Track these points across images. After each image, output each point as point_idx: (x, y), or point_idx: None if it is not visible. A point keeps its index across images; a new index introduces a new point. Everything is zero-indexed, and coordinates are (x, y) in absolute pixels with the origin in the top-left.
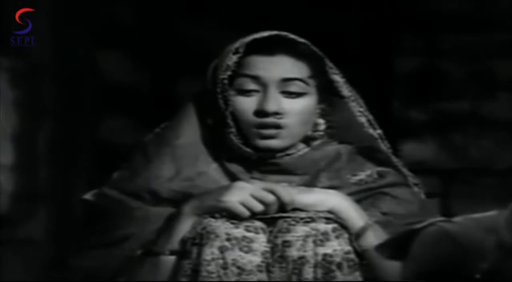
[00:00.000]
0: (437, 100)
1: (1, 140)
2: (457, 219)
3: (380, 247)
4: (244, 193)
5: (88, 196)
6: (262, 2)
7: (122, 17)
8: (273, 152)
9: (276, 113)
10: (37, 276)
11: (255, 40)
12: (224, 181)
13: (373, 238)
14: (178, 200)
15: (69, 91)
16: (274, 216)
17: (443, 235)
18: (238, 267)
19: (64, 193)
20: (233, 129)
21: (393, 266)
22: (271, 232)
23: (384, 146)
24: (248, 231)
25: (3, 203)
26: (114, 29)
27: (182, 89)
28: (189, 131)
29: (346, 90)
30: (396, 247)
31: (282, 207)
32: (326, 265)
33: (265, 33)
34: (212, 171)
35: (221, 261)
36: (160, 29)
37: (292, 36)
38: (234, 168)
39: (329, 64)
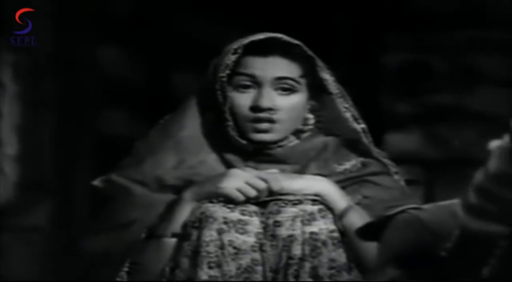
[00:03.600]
0: (423, 94)
1: (7, 132)
2: (426, 206)
3: (359, 231)
4: (240, 180)
5: (96, 182)
6: None
7: (121, 11)
8: (266, 144)
9: (269, 109)
10: (41, 262)
11: (251, 41)
12: (222, 169)
13: (355, 219)
14: (181, 187)
15: (71, 85)
16: (266, 199)
17: (414, 220)
18: (234, 247)
19: (67, 182)
20: (230, 123)
21: (370, 245)
22: (262, 213)
23: (366, 139)
24: (243, 214)
25: (8, 192)
26: (113, 23)
27: (178, 82)
28: (192, 124)
29: (334, 87)
30: (372, 231)
31: (272, 193)
32: (313, 243)
33: (261, 36)
34: (211, 160)
35: (218, 242)
36: (157, 23)
37: (286, 38)
38: (231, 157)
39: (319, 63)
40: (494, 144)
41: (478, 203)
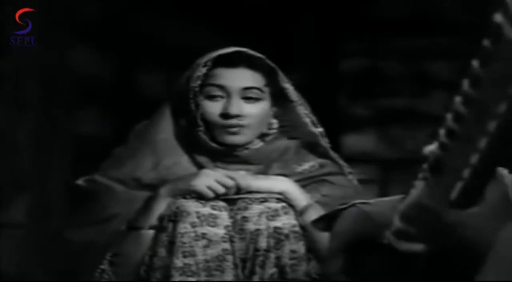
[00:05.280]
0: (378, 98)
1: None
2: (372, 201)
3: (315, 222)
4: (210, 179)
5: (80, 181)
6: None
7: (93, 13)
8: (235, 146)
9: (238, 116)
10: (22, 256)
11: (220, 55)
12: (194, 169)
13: (314, 215)
14: (157, 186)
15: (46, 86)
16: (234, 197)
17: (361, 213)
18: (207, 239)
19: (43, 179)
20: (202, 128)
21: (325, 237)
22: (231, 210)
23: (324, 142)
24: (214, 209)
25: None
26: (85, 26)
27: (149, 83)
28: (167, 129)
29: (294, 95)
30: (326, 222)
31: (239, 190)
32: (277, 236)
33: (229, 50)
34: (184, 162)
35: (192, 234)
36: (129, 25)
37: (250, 52)
38: (202, 159)
39: (281, 74)
40: (428, 149)
41: (402, 227)
